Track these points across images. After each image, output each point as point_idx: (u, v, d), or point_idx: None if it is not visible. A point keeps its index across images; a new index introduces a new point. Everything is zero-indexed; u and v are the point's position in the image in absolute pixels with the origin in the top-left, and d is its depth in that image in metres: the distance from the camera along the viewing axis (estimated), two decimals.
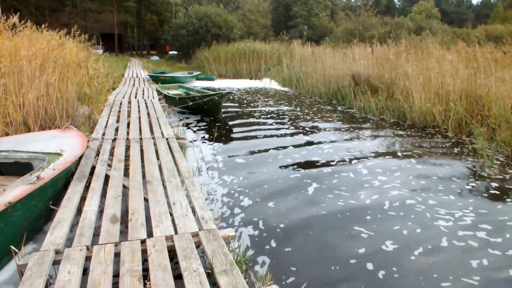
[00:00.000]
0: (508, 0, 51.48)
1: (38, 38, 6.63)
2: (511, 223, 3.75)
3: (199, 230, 2.85)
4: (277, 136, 7.36)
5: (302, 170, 5.27)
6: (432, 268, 2.97)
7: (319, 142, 6.84)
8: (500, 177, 5.07)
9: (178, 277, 2.39)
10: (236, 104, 11.63)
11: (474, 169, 5.46)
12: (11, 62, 5.48)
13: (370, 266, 2.96)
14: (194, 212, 3.20)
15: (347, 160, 5.78)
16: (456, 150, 6.47)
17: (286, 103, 12.01)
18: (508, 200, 4.35)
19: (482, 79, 7.81)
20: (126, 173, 4.12)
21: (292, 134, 7.51)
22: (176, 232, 2.79)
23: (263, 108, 10.83)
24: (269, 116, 9.62)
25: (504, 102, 6.87)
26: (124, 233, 2.95)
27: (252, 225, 3.63)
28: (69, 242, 2.65)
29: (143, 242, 2.64)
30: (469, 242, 3.37)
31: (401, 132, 7.81)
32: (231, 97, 13.06)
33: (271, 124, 8.54)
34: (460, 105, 7.66)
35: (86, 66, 9.22)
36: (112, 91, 11.37)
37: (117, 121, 6.84)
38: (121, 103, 8.87)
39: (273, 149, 6.37)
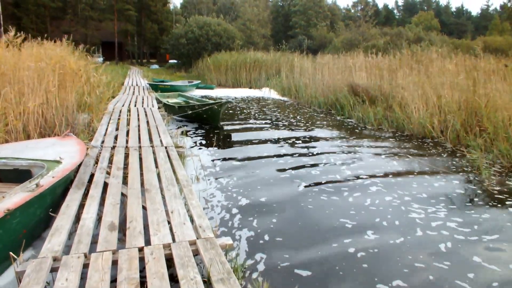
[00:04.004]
0: (507, 11, 52.04)
1: (39, 50, 6.72)
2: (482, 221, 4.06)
3: (197, 238, 2.86)
4: (275, 144, 7.40)
5: (300, 177, 5.30)
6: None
7: (315, 150, 6.89)
8: (496, 187, 5.09)
9: (175, 285, 2.40)
10: (235, 113, 11.68)
11: (467, 177, 5.52)
12: (13, 72, 5.55)
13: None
14: (192, 220, 3.21)
15: (350, 173, 5.80)
16: (451, 159, 6.49)
17: (284, 112, 12.07)
18: (495, 206, 4.39)
19: (481, 90, 7.85)
20: (125, 181, 4.13)
21: (289, 142, 7.55)
22: (173, 241, 2.81)
23: (261, 117, 10.88)
24: (267, 124, 9.66)
25: (502, 114, 6.92)
26: (122, 241, 2.96)
27: (250, 233, 3.64)
28: (67, 249, 2.66)
29: (140, 250, 2.65)
30: (441, 232, 3.73)
31: (396, 142, 7.83)
32: (230, 106, 13.13)
33: (268, 132, 8.59)
34: (457, 117, 7.69)
35: (85, 74, 9.27)
36: (111, 99, 11.41)
37: (117, 129, 6.87)
38: (120, 111, 8.91)
39: (270, 157, 6.40)
